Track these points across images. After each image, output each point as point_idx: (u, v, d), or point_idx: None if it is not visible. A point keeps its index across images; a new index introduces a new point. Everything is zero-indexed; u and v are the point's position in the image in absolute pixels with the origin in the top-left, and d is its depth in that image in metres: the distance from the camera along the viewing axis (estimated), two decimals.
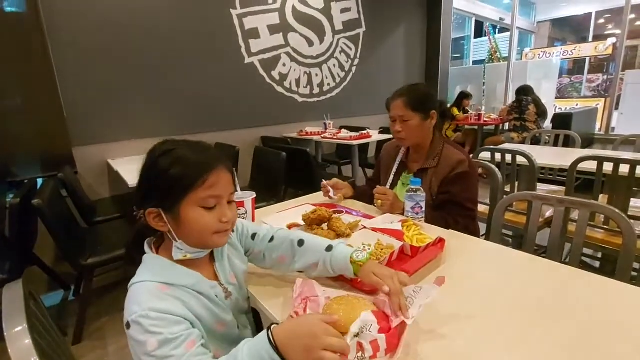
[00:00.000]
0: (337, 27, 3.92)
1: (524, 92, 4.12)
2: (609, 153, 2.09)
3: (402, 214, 1.16)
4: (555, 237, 1.15)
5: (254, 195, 1.10)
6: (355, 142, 2.98)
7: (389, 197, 1.19)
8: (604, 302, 0.70)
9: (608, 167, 1.65)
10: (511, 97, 4.98)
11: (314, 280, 0.71)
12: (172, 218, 0.62)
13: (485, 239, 1.46)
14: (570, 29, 10.51)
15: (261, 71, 3.40)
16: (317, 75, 3.85)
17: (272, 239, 0.82)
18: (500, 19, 8.16)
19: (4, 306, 0.57)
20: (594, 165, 1.68)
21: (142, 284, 0.60)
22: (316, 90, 3.89)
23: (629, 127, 4.78)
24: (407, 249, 0.88)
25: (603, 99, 6.69)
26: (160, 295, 0.59)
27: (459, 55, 9.20)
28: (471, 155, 1.81)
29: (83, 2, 2.37)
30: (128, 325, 0.55)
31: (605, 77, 8.81)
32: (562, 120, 3.81)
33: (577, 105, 7.43)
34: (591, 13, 9.14)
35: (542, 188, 2.32)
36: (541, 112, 4.00)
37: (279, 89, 3.58)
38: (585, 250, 1.78)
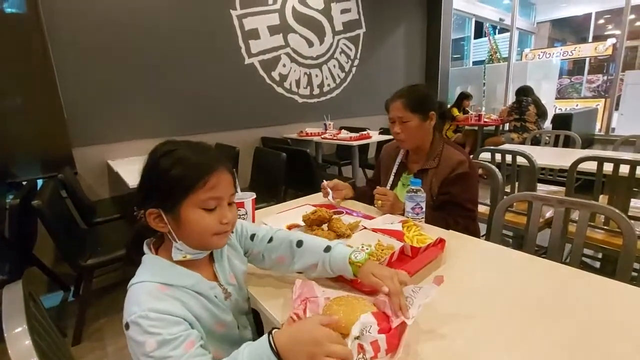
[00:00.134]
0: (337, 28, 3.93)
1: (524, 92, 4.12)
2: (609, 153, 2.09)
3: (402, 214, 1.16)
4: (556, 237, 1.15)
5: (254, 196, 1.10)
6: (355, 143, 2.98)
7: (389, 197, 1.19)
8: (604, 302, 0.70)
9: (608, 167, 1.65)
10: (511, 98, 4.99)
11: (314, 280, 0.71)
12: (172, 219, 0.62)
13: (485, 240, 1.46)
14: (570, 29, 10.52)
15: (261, 72, 3.40)
16: (317, 75, 3.86)
17: (271, 240, 0.82)
18: (500, 19, 8.17)
19: (4, 307, 0.57)
20: (594, 165, 1.68)
21: (142, 284, 0.60)
22: (316, 91, 3.89)
23: (629, 127, 4.78)
24: (407, 249, 0.88)
25: (603, 100, 6.70)
26: (159, 296, 0.59)
27: (458, 55, 9.21)
28: (471, 156, 1.81)
29: (83, 3, 2.37)
30: (127, 326, 0.55)
31: (605, 77, 8.82)
32: (562, 121, 3.81)
33: (577, 105, 7.44)
34: (591, 13, 9.16)
35: (542, 188, 2.32)
36: (541, 113, 4.00)
37: (279, 90, 3.58)
38: (586, 251, 1.78)
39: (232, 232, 0.79)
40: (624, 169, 1.61)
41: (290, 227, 1.09)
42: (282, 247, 0.80)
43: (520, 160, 1.93)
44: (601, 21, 9.28)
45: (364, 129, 3.34)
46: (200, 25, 2.93)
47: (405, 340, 0.56)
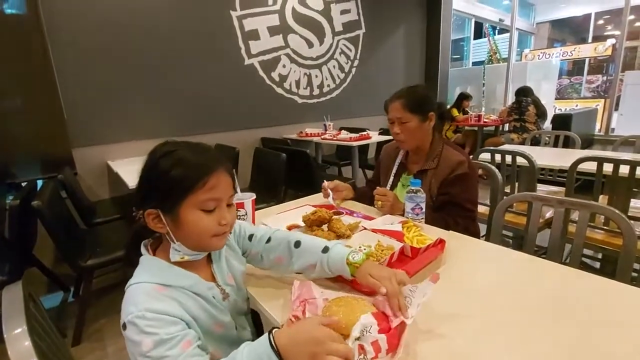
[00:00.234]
0: (337, 29, 3.93)
1: (524, 93, 4.13)
2: (608, 154, 2.09)
3: (402, 215, 1.16)
4: (556, 238, 1.15)
5: (254, 197, 1.10)
6: (355, 143, 2.98)
7: (389, 198, 1.19)
8: (604, 302, 0.70)
9: (608, 167, 1.65)
10: (511, 98, 4.99)
11: (313, 281, 0.71)
12: (171, 220, 0.61)
13: (485, 240, 1.46)
14: (570, 30, 10.53)
15: (261, 72, 3.41)
16: (316, 76, 3.86)
17: (269, 240, 0.82)
18: (500, 20, 8.18)
19: (4, 308, 0.57)
20: (593, 166, 1.69)
21: (139, 285, 0.60)
22: (316, 92, 3.89)
23: (629, 127, 4.78)
24: (407, 250, 0.88)
25: (603, 100, 6.70)
26: (157, 296, 0.59)
27: (458, 56, 9.22)
28: (471, 156, 1.81)
29: (83, 4, 2.38)
30: (124, 326, 0.55)
31: (604, 78, 8.82)
32: (562, 121, 3.81)
33: (576, 106, 7.45)
34: (590, 14, 9.17)
35: (542, 189, 2.32)
36: (541, 113, 4.01)
37: (279, 90, 3.58)
38: (586, 251, 1.78)
39: (230, 233, 0.79)
40: (624, 170, 1.61)
41: (290, 228, 1.09)
42: (280, 248, 0.80)
43: (520, 160, 1.93)
44: (601, 22, 9.29)
45: (363, 130, 3.34)
46: (200, 26, 2.93)
47: (405, 340, 0.57)
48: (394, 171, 1.40)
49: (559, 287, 0.76)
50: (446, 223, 1.15)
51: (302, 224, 1.09)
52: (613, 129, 4.67)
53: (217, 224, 0.63)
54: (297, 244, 0.78)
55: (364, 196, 1.39)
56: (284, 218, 1.18)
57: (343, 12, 3.95)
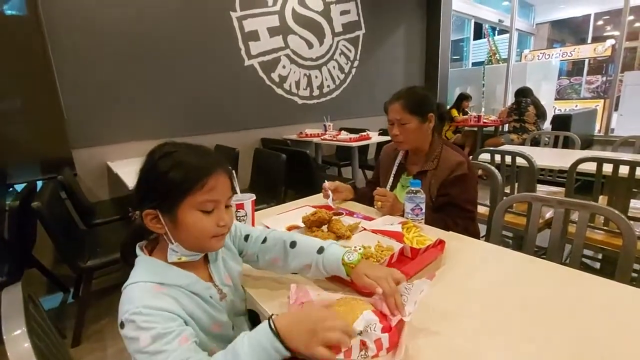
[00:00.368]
0: (337, 29, 3.93)
1: (523, 93, 4.13)
2: (608, 154, 2.09)
3: (402, 215, 1.16)
4: (555, 238, 1.15)
5: (254, 197, 1.10)
6: (354, 144, 2.99)
7: (389, 198, 1.19)
8: (604, 303, 0.70)
9: (608, 168, 1.65)
10: (510, 99, 4.99)
11: (310, 281, 0.71)
12: (169, 220, 0.62)
13: (485, 241, 1.46)
14: (569, 30, 10.55)
15: (261, 73, 3.41)
16: (316, 77, 3.86)
17: (264, 240, 0.82)
18: (500, 20, 8.19)
19: (3, 309, 0.57)
20: (593, 166, 1.69)
21: (136, 284, 0.60)
22: (316, 92, 3.89)
23: (629, 128, 4.78)
24: (407, 250, 0.88)
25: (602, 100, 6.71)
26: (154, 294, 0.59)
27: (458, 57, 9.23)
28: (471, 157, 1.82)
29: (83, 5, 2.38)
30: (122, 325, 0.54)
31: (604, 78, 8.83)
32: (562, 122, 3.81)
33: (576, 106, 7.45)
34: (590, 15, 9.18)
35: (541, 189, 2.33)
36: (540, 114, 4.01)
37: (279, 91, 3.58)
38: (586, 252, 1.78)
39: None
40: (624, 170, 1.62)
41: (290, 229, 1.09)
42: (276, 248, 0.80)
43: (520, 161, 1.93)
44: (600, 22, 9.30)
45: (363, 130, 3.34)
46: (200, 26, 2.94)
47: (405, 338, 0.57)
48: (393, 172, 1.40)
49: (558, 288, 0.76)
50: (446, 224, 1.15)
51: (302, 225, 1.09)
52: (613, 130, 4.67)
53: (215, 225, 0.63)
54: (293, 244, 0.78)
55: (364, 197, 1.39)
56: (283, 219, 1.18)
57: (343, 12, 3.96)
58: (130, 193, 0.65)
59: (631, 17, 4.25)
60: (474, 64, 8.58)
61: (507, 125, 4.34)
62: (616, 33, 5.39)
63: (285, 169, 2.26)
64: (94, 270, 1.67)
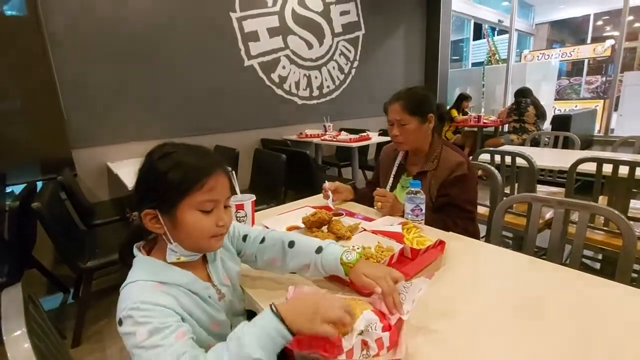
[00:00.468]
0: (337, 30, 3.94)
1: (523, 94, 4.13)
2: (608, 154, 2.09)
3: (402, 216, 1.16)
4: (555, 238, 1.15)
5: (254, 198, 1.10)
6: (354, 144, 2.99)
7: (389, 199, 1.19)
8: (604, 303, 0.70)
9: (607, 168, 1.65)
10: (510, 99, 4.99)
11: (309, 282, 0.71)
12: (168, 220, 0.62)
13: (485, 241, 1.46)
14: (569, 30, 10.55)
15: (261, 74, 3.41)
16: (316, 77, 3.86)
17: (263, 240, 0.82)
18: (499, 21, 8.19)
19: (3, 309, 0.57)
20: (593, 166, 1.69)
21: (135, 283, 0.60)
22: (315, 93, 3.90)
23: (628, 128, 4.78)
24: (407, 251, 0.88)
25: (602, 101, 6.71)
26: (152, 291, 0.59)
27: (458, 57, 9.23)
28: (471, 157, 1.82)
29: (83, 6, 2.38)
30: (120, 322, 0.55)
31: (604, 78, 8.84)
32: (562, 122, 3.81)
33: (576, 106, 7.45)
34: (589, 15, 9.18)
35: (541, 189, 2.33)
36: (540, 114, 4.01)
37: (279, 91, 3.58)
38: (586, 252, 1.78)
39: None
40: (623, 170, 1.62)
41: (290, 229, 1.09)
42: (274, 248, 0.80)
43: (520, 161, 1.93)
44: (599, 22, 9.31)
45: (363, 131, 3.34)
46: (199, 27, 2.94)
47: (405, 337, 0.57)
48: (393, 172, 1.40)
49: (558, 288, 0.76)
50: (445, 224, 1.15)
51: (302, 226, 1.09)
52: (612, 130, 4.67)
53: (214, 225, 0.64)
54: (291, 244, 0.79)
55: (364, 197, 1.39)
56: (283, 219, 1.18)
57: (342, 13, 3.96)
58: (130, 194, 0.65)
59: (631, 18, 4.26)
60: (473, 65, 8.58)
61: (506, 125, 4.34)
62: (616, 33, 5.40)
63: (285, 170, 2.26)
64: (94, 271, 1.67)
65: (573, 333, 0.61)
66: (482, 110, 5.42)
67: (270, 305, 0.55)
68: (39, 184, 2.07)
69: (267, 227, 0.91)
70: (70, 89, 2.36)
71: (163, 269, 0.63)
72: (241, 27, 3.20)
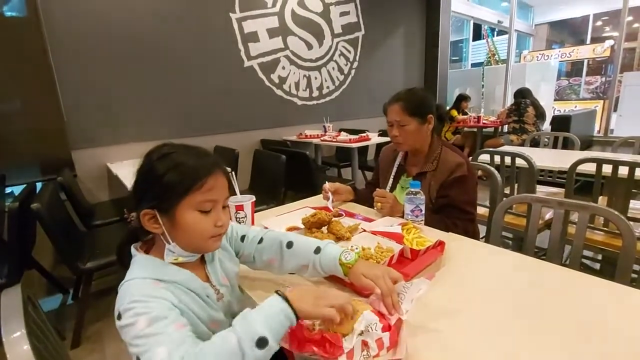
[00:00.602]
0: (336, 31, 3.94)
1: (522, 94, 4.14)
2: (608, 155, 2.09)
3: (402, 216, 1.16)
4: (555, 239, 1.15)
5: (254, 199, 1.10)
6: (354, 145, 2.99)
7: (389, 200, 1.19)
8: (604, 304, 0.70)
9: (607, 169, 1.65)
10: (510, 100, 5.00)
11: (308, 282, 0.71)
12: (167, 220, 0.62)
13: (485, 242, 1.46)
14: (568, 31, 10.56)
15: (260, 74, 3.41)
16: (316, 78, 3.86)
17: (261, 241, 0.82)
18: (499, 21, 8.20)
19: (3, 311, 0.57)
20: (593, 167, 1.69)
21: (133, 280, 0.60)
22: (315, 93, 3.90)
23: (628, 129, 4.78)
24: (407, 252, 0.88)
25: (602, 101, 6.72)
26: (152, 286, 0.59)
27: (457, 58, 9.24)
28: (470, 158, 1.82)
29: (83, 7, 2.38)
30: (119, 316, 0.54)
31: (603, 79, 8.84)
32: (561, 123, 3.82)
33: (575, 107, 7.45)
34: (589, 15, 9.19)
35: (541, 190, 2.33)
36: (539, 114, 4.02)
37: (278, 92, 3.59)
38: (586, 252, 1.78)
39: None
40: (623, 171, 1.62)
41: (289, 230, 1.09)
42: (272, 249, 0.80)
43: (520, 161, 1.93)
44: (599, 23, 9.32)
45: (363, 131, 3.34)
46: (199, 28, 2.94)
47: (405, 338, 0.57)
48: (393, 173, 1.40)
49: (558, 289, 0.76)
50: (445, 225, 1.15)
51: (302, 226, 1.09)
52: (612, 130, 4.68)
53: (213, 225, 0.64)
54: (290, 244, 0.78)
55: (364, 198, 1.39)
56: (283, 220, 1.18)
57: (342, 14, 3.96)
58: (129, 194, 0.65)
59: (630, 18, 4.26)
60: (473, 65, 8.59)
61: (506, 126, 4.35)
62: (615, 34, 5.40)
63: (284, 170, 2.26)
64: (94, 272, 1.67)
65: (573, 333, 0.61)
66: (482, 110, 5.43)
67: (276, 290, 0.56)
68: (39, 185, 2.07)
69: (267, 228, 0.91)
70: (70, 89, 2.36)
71: (161, 267, 0.63)
72: (241, 27, 3.20)
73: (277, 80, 3.54)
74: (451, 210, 1.22)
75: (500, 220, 1.22)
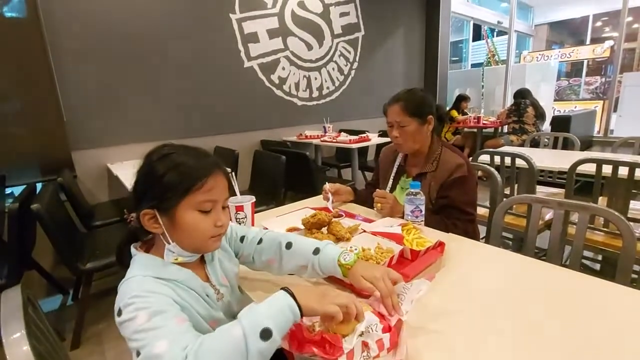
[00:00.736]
0: (336, 31, 3.94)
1: (522, 95, 4.14)
2: (607, 155, 2.09)
3: (402, 217, 1.16)
4: (555, 239, 1.15)
5: (254, 199, 1.10)
6: (354, 146, 2.99)
7: (389, 200, 1.19)
8: (604, 304, 0.70)
9: (607, 169, 1.65)
10: (510, 100, 5.00)
11: (308, 283, 0.71)
12: (167, 220, 0.62)
13: (485, 242, 1.46)
14: (568, 31, 10.56)
15: (260, 75, 3.41)
16: (316, 78, 3.87)
17: (260, 241, 0.82)
18: (498, 22, 8.20)
19: (2, 312, 0.57)
20: (593, 167, 1.69)
21: (133, 278, 0.60)
22: (315, 94, 3.90)
23: (628, 129, 4.77)
24: (407, 252, 0.88)
25: (601, 102, 6.71)
26: (153, 283, 0.59)
27: (457, 58, 9.24)
28: (470, 158, 1.82)
29: (83, 7, 2.38)
30: (120, 312, 0.54)
31: (603, 79, 8.84)
32: (561, 123, 3.82)
33: (575, 107, 7.45)
34: (588, 16, 9.19)
35: (541, 190, 2.33)
36: (539, 115, 4.02)
37: (278, 93, 3.59)
38: (586, 253, 1.78)
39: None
40: (623, 171, 1.62)
41: (289, 231, 1.09)
42: (271, 249, 0.80)
43: (520, 162, 1.93)
44: (599, 23, 9.32)
45: (363, 132, 3.35)
46: (199, 28, 2.94)
47: (405, 339, 0.57)
48: (393, 174, 1.40)
49: (558, 289, 0.76)
50: (445, 226, 1.15)
51: (302, 227, 1.09)
52: (612, 131, 4.67)
53: (213, 226, 0.64)
54: (289, 245, 0.78)
55: (364, 199, 1.39)
56: (283, 221, 1.18)
57: (342, 14, 3.96)
58: (130, 195, 0.65)
59: (630, 19, 4.27)
60: (473, 66, 8.59)
61: (506, 126, 4.35)
62: (615, 34, 5.40)
63: (284, 171, 2.26)
64: (94, 273, 1.67)
65: (573, 334, 0.61)
66: (482, 111, 5.43)
67: (282, 288, 0.56)
68: (39, 186, 2.07)
69: (267, 229, 0.91)
70: (69, 90, 2.36)
71: (162, 266, 0.63)
72: (241, 28, 3.21)
73: (277, 81, 3.54)
74: (451, 211, 1.22)
75: (500, 221, 1.22)
